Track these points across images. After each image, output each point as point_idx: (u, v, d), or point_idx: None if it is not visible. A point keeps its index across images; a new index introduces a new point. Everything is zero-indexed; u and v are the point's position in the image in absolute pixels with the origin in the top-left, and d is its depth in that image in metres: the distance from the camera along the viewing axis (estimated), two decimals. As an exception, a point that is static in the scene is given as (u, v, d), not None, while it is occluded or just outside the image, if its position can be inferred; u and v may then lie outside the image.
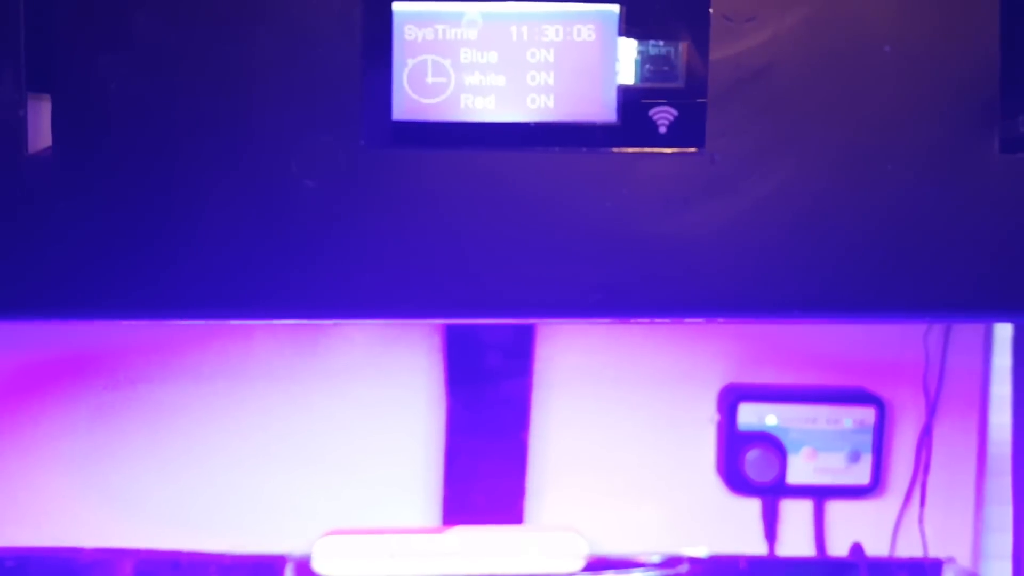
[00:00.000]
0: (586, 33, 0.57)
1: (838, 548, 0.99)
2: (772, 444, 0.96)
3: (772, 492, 0.97)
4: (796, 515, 0.99)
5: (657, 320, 0.61)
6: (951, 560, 0.99)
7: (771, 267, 0.59)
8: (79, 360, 0.93)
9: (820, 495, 0.98)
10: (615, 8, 0.57)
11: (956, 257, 0.59)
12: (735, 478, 0.96)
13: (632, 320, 0.61)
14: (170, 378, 0.94)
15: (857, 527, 0.99)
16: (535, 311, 0.60)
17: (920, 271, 0.59)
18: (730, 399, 0.96)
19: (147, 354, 0.93)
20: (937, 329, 0.97)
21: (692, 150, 0.58)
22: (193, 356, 0.94)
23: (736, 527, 0.99)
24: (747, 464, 0.96)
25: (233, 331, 0.93)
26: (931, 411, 0.98)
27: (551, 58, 0.57)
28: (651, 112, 0.58)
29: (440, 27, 0.57)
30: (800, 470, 0.96)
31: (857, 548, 0.99)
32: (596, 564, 0.97)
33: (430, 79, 0.57)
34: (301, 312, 0.59)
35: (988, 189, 0.59)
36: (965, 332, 0.97)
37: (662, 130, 0.58)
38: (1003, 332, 0.97)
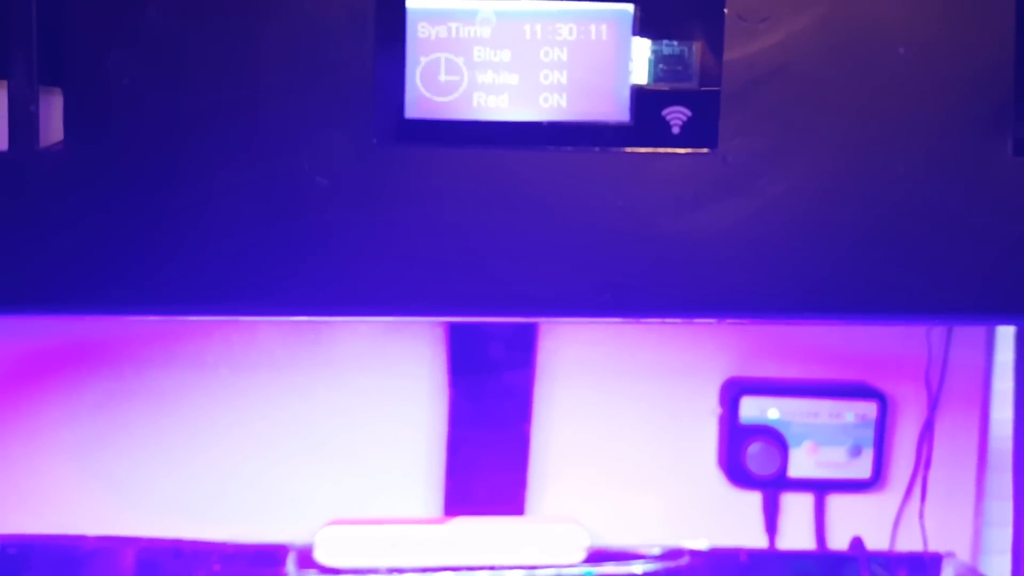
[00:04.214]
0: (600, 32, 0.57)
1: (838, 542, 0.99)
2: (774, 437, 0.96)
3: (773, 485, 0.97)
4: (797, 508, 0.99)
5: (668, 320, 0.61)
6: (951, 555, 1.00)
7: (783, 268, 0.59)
8: (82, 348, 0.93)
9: (821, 489, 0.98)
10: (629, 7, 0.57)
11: (971, 260, 0.59)
12: (736, 471, 0.97)
13: (643, 320, 0.61)
14: (173, 367, 0.93)
15: (858, 521, 0.99)
16: (545, 310, 0.59)
17: (935, 274, 0.59)
18: (732, 392, 0.96)
19: (150, 343, 0.93)
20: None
21: (705, 150, 0.58)
22: (196, 345, 0.94)
23: (737, 520, 0.99)
24: (748, 457, 0.96)
25: (236, 320, 0.93)
26: (933, 406, 0.98)
27: (564, 57, 0.57)
28: (664, 112, 0.58)
29: (454, 25, 0.57)
30: (801, 464, 0.97)
31: (857, 542, 0.99)
32: (597, 555, 0.97)
33: (443, 77, 0.57)
34: (312, 309, 0.59)
35: (1001, 191, 0.59)
36: (968, 328, 0.97)
37: (675, 130, 0.58)
38: (1006, 328, 0.97)
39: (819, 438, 0.96)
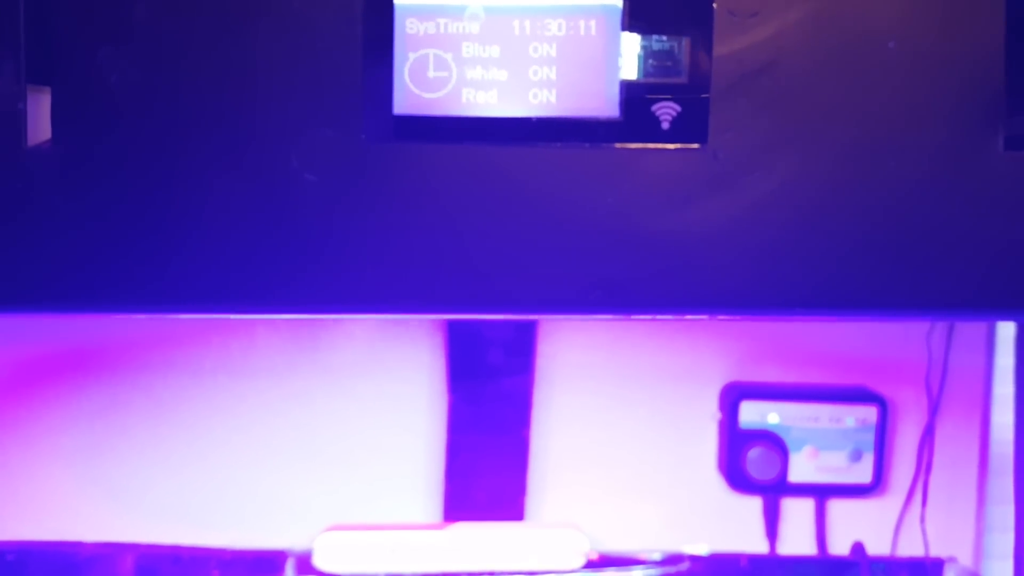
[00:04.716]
0: (589, 28, 0.57)
1: (839, 547, 0.99)
2: (774, 442, 0.96)
3: (773, 490, 0.97)
4: (797, 513, 0.99)
5: (659, 316, 0.61)
6: (952, 560, 0.99)
7: (774, 264, 0.59)
8: (81, 354, 0.93)
9: (822, 494, 0.98)
10: (618, 2, 0.57)
11: (960, 255, 0.59)
12: (737, 476, 0.96)
13: (634, 316, 0.61)
14: (171, 373, 0.94)
15: (858, 526, 0.99)
16: (537, 307, 0.59)
17: (924, 269, 0.59)
18: (732, 397, 0.96)
19: (148, 348, 0.93)
20: (940, 328, 0.96)
21: (695, 146, 0.58)
22: (194, 350, 0.94)
23: (737, 525, 0.99)
24: (749, 462, 0.96)
25: (235, 326, 0.93)
26: (933, 410, 0.98)
27: (553, 53, 0.57)
28: (654, 108, 0.58)
29: (442, 21, 0.57)
30: (802, 468, 0.96)
31: (858, 547, 0.98)
32: (597, 561, 0.97)
33: (432, 73, 0.57)
34: (302, 307, 0.59)
35: (992, 186, 0.59)
36: (968, 331, 0.97)
37: (665, 126, 0.58)
38: (1006, 332, 0.97)
39: (819, 443, 0.96)
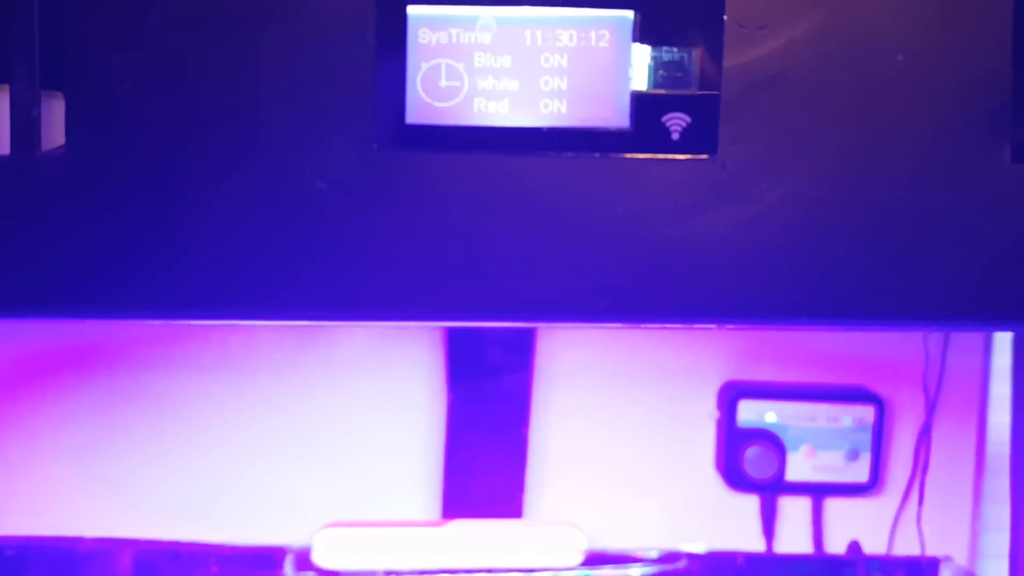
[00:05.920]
0: (600, 38, 0.57)
1: (836, 546, 0.99)
2: (771, 441, 0.96)
3: (771, 489, 0.97)
4: (794, 512, 0.99)
5: (666, 325, 0.61)
6: (948, 559, 1.00)
7: (782, 274, 0.59)
8: (80, 350, 0.93)
9: (819, 493, 0.98)
10: (630, 14, 0.57)
11: (968, 267, 0.59)
12: (734, 475, 0.97)
13: (641, 325, 0.61)
14: (171, 369, 0.93)
15: (855, 525, 0.99)
16: (545, 315, 0.60)
17: (931, 280, 0.59)
18: (730, 396, 0.96)
19: (148, 345, 0.93)
20: (938, 329, 0.97)
21: (704, 157, 0.58)
22: (194, 348, 0.94)
23: (734, 524, 0.99)
24: (746, 461, 0.96)
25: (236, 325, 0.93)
26: (930, 410, 0.98)
27: (565, 63, 0.57)
28: (664, 118, 0.58)
29: (454, 31, 0.57)
30: (799, 468, 0.97)
31: (855, 546, 0.99)
32: (594, 559, 0.97)
33: (443, 83, 0.57)
34: (312, 314, 0.59)
35: (999, 199, 0.59)
36: (965, 333, 0.98)
37: (675, 136, 0.58)
38: (1003, 333, 0.97)
39: (817, 442, 0.96)
